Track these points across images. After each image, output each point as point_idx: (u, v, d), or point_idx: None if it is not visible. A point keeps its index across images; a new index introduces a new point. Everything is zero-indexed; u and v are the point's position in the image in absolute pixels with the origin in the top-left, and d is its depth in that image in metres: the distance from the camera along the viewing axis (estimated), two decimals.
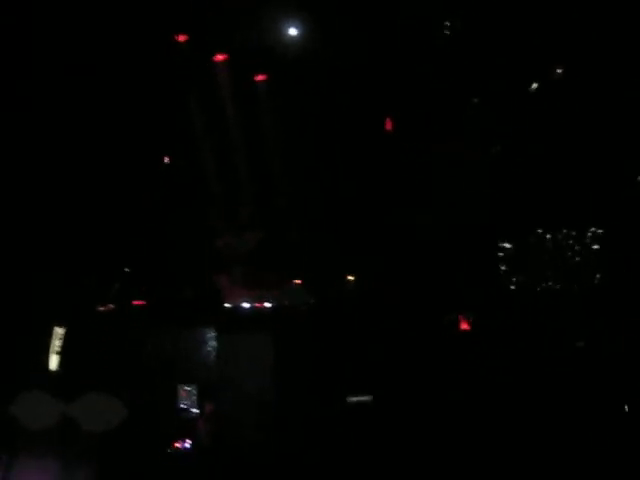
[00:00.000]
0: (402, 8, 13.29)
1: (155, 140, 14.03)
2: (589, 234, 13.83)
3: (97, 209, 13.60)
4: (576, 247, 13.83)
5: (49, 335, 13.11)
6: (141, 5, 12.96)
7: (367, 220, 14.09)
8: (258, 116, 14.34)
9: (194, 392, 13.22)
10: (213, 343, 13.64)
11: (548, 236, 13.91)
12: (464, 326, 13.55)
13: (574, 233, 13.86)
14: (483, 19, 13.41)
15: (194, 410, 13.12)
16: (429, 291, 13.61)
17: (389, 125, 14.20)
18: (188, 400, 13.19)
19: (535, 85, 13.78)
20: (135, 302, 13.89)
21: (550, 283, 13.85)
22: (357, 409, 12.47)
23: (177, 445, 12.55)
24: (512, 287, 13.90)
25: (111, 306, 13.77)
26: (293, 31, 13.84)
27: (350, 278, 14.18)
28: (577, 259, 13.81)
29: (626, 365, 12.77)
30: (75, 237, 13.47)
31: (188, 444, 12.62)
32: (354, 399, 12.56)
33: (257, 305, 14.00)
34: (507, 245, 13.94)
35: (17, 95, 12.68)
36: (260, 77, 14.28)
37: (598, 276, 13.80)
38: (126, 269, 14.01)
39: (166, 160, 14.23)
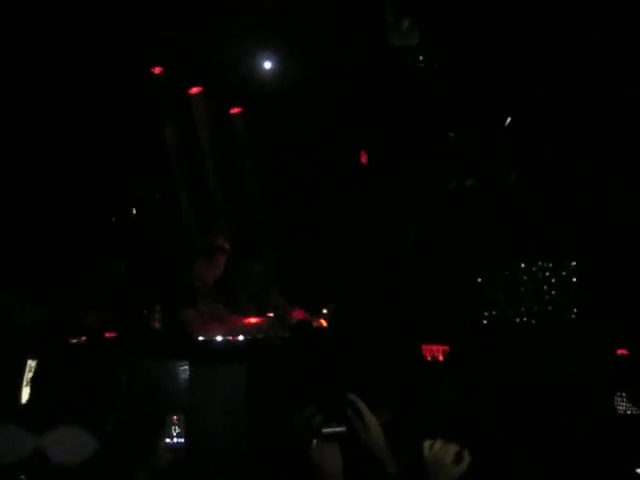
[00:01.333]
0: (380, 42, 13.30)
1: (129, 171, 14.00)
2: (567, 267, 13.60)
3: (67, 241, 13.55)
4: (553, 280, 13.62)
5: (21, 367, 13.00)
6: (115, 36, 12.99)
7: (342, 251, 13.98)
8: (234, 148, 14.39)
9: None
10: (185, 375, 13.46)
11: (522, 266, 13.68)
12: (439, 357, 13.34)
13: (551, 265, 13.65)
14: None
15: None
16: (404, 320, 13.37)
17: (364, 158, 14.19)
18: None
19: (509, 120, 13.72)
20: (107, 334, 13.74)
21: (525, 318, 13.61)
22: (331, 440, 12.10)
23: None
24: (485, 321, 13.67)
25: (83, 338, 13.63)
26: (268, 64, 13.94)
27: (324, 311, 14.02)
28: (553, 293, 13.57)
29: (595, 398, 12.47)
30: (49, 266, 13.40)
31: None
32: (329, 430, 12.04)
33: (230, 338, 13.81)
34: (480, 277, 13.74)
35: None
36: (235, 110, 14.39)
37: (575, 310, 13.54)
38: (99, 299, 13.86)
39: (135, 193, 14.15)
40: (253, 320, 14.00)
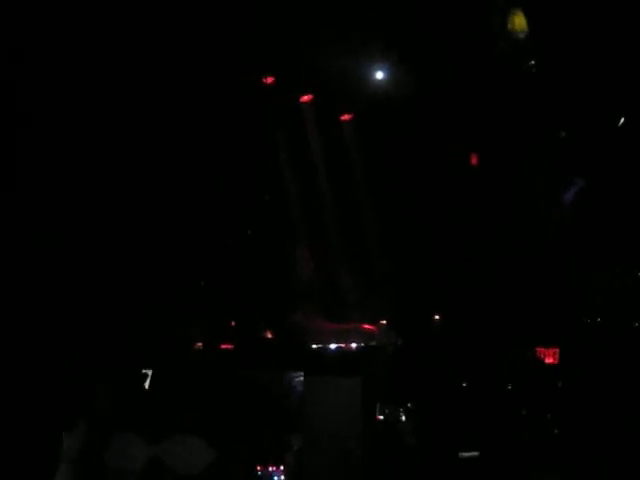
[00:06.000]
0: (489, 45, 13.19)
1: (243, 180, 14.15)
2: None
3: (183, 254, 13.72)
4: None
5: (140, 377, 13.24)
6: (228, 50, 13.16)
7: (453, 257, 13.89)
8: (345, 155, 14.43)
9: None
10: (300, 387, 13.49)
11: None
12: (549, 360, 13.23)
13: None
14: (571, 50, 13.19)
15: None
16: (509, 327, 13.28)
17: (475, 160, 14.08)
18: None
19: (622, 120, 13.47)
20: (223, 345, 13.88)
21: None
22: (466, 466, 11.87)
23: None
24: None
25: (199, 345, 13.82)
26: (379, 74, 13.99)
27: (437, 317, 13.98)
28: None
29: None
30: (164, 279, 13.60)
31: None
32: (465, 455, 11.86)
33: (343, 346, 13.84)
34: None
35: None
36: (346, 117, 14.43)
37: None
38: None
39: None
40: (367, 326, 14.06)
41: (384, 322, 14.08)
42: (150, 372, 13.21)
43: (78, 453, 11.18)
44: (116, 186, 12.90)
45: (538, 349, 13.34)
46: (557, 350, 13.33)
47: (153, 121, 13.26)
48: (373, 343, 13.87)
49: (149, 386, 13.15)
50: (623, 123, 13.69)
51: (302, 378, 13.25)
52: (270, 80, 14.18)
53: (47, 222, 12.28)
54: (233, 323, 14.15)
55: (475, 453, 12.05)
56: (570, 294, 13.59)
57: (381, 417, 12.72)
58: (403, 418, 12.65)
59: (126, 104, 13.00)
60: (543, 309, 13.36)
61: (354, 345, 13.87)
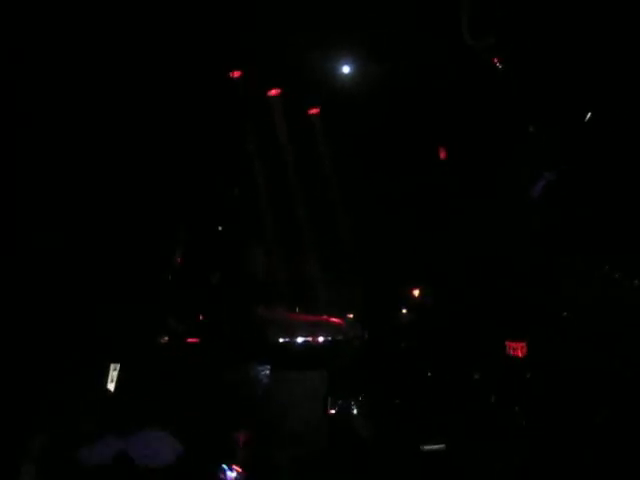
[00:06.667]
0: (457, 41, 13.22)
1: (211, 174, 14.13)
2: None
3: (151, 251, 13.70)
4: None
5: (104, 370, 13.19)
6: (194, 43, 13.11)
7: (423, 251, 13.91)
8: (313, 148, 14.45)
9: None
10: (267, 380, 13.50)
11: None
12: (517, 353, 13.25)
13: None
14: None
15: None
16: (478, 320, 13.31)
17: (443, 154, 14.11)
18: None
19: (589, 115, 13.51)
20: (189, 340, 13.85)
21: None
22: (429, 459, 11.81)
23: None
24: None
25: (166, 339, 13.80)
26: (347, 68, 14.00)
27: (404, 311, 14.01)
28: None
29: None
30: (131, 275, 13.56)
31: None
32: (427, 447, 11.78)
33: (310, 339, 13.86)
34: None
35: None
36: (314, 111, 14.45)
37: None
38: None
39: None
40: (334, 319, 14.07)
41: (351, 315, 14.10)
42: (117, 366, 13.19)
43: (41, 452, 11.16)
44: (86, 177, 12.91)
45: (507, 342, 13.38)
46: (525, 344, 13.35)
47: (119, 116, 13.23)
48: (340, 337, 13.88)
49: (116, 380, 13.13)
50: (590, 118, 13.75)
51: (268, 372, 13.32)
52: (237, 74, 14.13)
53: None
54: (201, 317, 14.09)
55: (441, 446, 12.11)
56: (538, 286, 13.63)
57: (333, 411, 12.74)
58: (355, 411, 12.68)
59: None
60: (512, 302, 13.40)
61: (321, 339, 13.89)
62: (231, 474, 12.23)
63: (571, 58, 13.19)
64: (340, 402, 12.70)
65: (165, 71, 13.34)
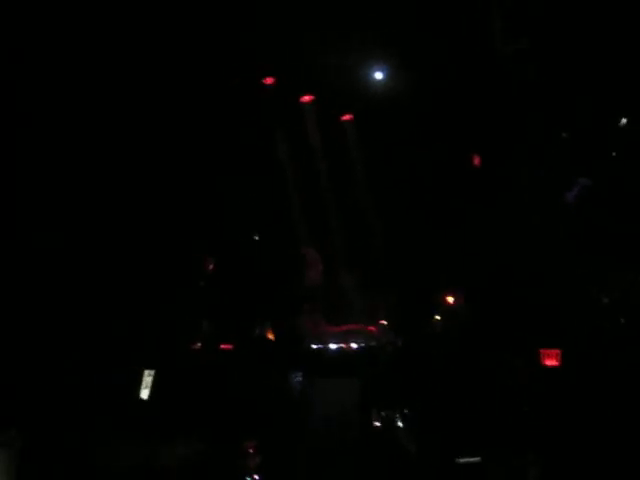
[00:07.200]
0: (490, 47, 13.22)
1: (243, 180, 14.14)
2: None
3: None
4: None
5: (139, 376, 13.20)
6: (227, 51, 13.18)
7: (457, 258, 13.85)
8: (346, 154, 14.46)
9: None
10: (300, 387, 13.42)
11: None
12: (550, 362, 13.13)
13: None
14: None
15: None
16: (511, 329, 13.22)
17: (477, 161, 14.06)
18: None
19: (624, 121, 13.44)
20: (223, 346, 13.82)
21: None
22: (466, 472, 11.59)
23: None
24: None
25: (199, 345, 13.79)
26: (379, 74, 14.02)
27: (437, 318, 13.94)
28: None
29: None
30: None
31: None
32: (463, 460, 11.47)
33: (344, 346, 13.83)
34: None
35: None
36: (346, 117, 14.46)
37: None
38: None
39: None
40: (367, 327, 14.05)
41: (384, 323, 14.07)
42: (152, 372, 13.19)
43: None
44: (116, 185, 12.93)
45: (540, 350, 13.28)
46: (559, 352, 13.25)
47: (154, 122, 13.25)
48: (373, 344, 13.85)
49: (151, 386, 13.13)
50: (626, 123, 13.69)
51: (301, 378, 13.25)
52: (270, 81, 14.17)
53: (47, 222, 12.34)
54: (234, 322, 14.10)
55: (477, 459, 11.99)
56: (574, 296, 13.56)
57: (377, 423, 12.63)
58: (400, 424, 12.56)
59: (124, 104, 13.02)
60: (546, 310, 13.31)
61: (354, 345, 13.86)
62: None
63: (605, 64, 13.17)
64: (383, 414, 12.57)
65: (200, 79, 13.42)
